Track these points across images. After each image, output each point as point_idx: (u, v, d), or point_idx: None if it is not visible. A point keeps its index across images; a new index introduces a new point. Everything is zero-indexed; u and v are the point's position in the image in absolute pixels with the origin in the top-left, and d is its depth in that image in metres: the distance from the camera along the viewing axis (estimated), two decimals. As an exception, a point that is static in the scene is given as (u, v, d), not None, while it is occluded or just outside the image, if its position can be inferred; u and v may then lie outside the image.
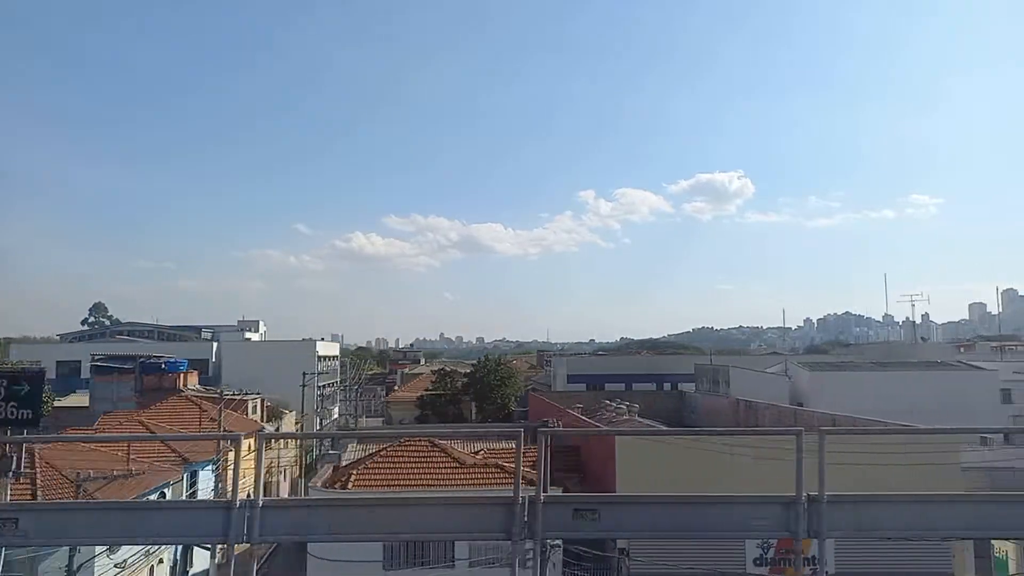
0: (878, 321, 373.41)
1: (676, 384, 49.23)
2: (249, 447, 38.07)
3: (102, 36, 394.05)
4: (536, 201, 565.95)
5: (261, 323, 74.63)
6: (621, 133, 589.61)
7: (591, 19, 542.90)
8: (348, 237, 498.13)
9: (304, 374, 42.90)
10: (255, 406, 37.90)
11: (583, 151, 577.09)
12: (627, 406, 40.33)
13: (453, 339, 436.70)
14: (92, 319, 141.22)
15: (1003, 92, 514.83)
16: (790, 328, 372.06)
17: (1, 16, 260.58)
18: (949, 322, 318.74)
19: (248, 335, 66.78)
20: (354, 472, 21.73)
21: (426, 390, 51.42)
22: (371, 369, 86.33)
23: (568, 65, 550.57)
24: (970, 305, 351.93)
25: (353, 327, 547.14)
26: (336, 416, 60.36)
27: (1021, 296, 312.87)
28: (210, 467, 28.37)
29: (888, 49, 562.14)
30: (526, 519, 7.16)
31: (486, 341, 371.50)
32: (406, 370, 77.30)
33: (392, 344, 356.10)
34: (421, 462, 22.98)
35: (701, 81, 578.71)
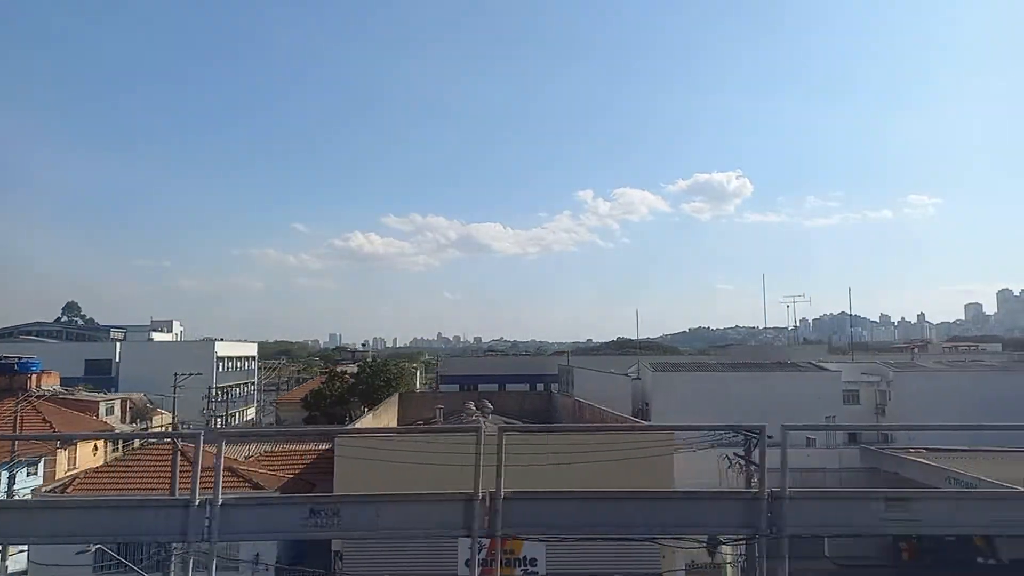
0: (873, 321, 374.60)
1: (549, 384, 49.98)
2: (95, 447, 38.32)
3: (101, 32, 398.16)
4: (535, 201, 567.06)
5: (176, 323, 75.75)
6: (619, 133, 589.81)
7: (590, 19, 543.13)
8: (347, 236, 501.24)
9: (176, 375, 43.85)
10: (110, 407, 38.87)
11: (581, 151, 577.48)
12: (481, 406, 41.17)
13: (450, 339, 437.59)
14: (65, 318, 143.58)
15: (1003, 92, 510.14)
16: (786, 328, 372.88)
17: (5, 16, 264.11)
18: (943, 322, 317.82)
19: (157, 336, 67.81)
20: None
21: (312, 391, 52.30)
22: (314, 370, 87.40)
23: (566, 65, 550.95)
24: (966, 305, 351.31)
25: (353, 327, 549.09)
26: (251, 417, 61.40)
27: (1016, 296, 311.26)
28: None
29: (887, 49, 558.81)
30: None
31: (483, 340, 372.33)
32: (339, 369, 78.04)
33: (390, 344, 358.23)
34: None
35: (699, 80, 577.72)
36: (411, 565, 21.83)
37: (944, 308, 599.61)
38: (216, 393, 51.90)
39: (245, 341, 66.24)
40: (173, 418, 44.75)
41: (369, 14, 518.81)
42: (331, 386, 51.79)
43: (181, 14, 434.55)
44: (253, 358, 66.76)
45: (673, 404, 39.45)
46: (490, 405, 41.38)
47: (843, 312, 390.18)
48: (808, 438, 37.93)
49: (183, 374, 44.41)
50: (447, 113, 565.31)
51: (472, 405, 41.38)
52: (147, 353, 54.96)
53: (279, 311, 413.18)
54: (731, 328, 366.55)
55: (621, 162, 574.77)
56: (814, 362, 42.86)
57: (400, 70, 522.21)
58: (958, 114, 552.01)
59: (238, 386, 58.89)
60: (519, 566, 22.75)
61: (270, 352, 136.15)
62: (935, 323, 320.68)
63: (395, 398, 44.12)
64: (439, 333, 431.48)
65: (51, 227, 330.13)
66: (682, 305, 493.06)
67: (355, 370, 54.77)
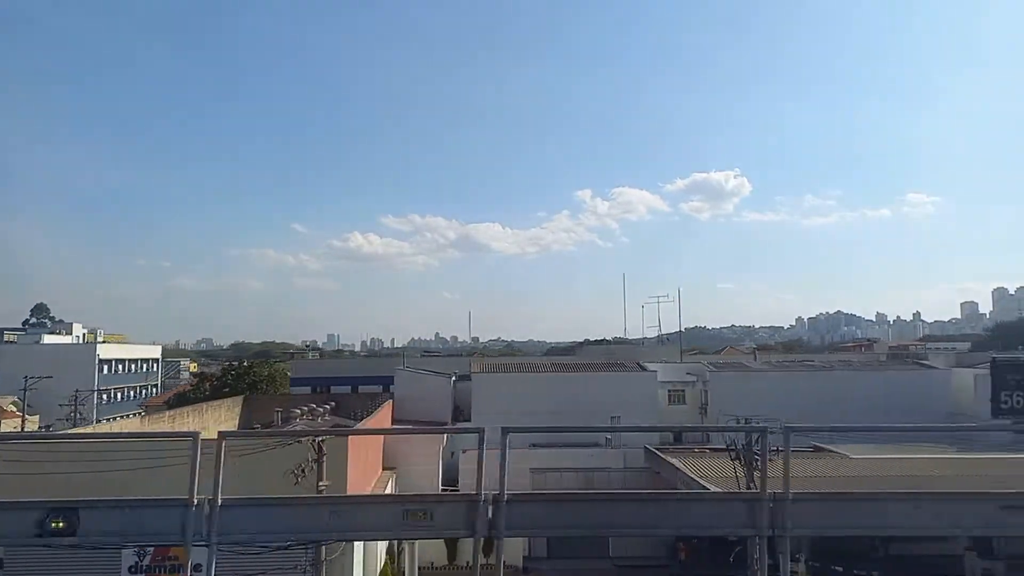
0: (868, 320, 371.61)
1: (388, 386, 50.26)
2: None
3: (100, 33, 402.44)
4: (533, 200, 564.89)
5: (78, 325, 76.56)
6: (616, 132, 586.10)
7: (587, 19, 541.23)
8: (346, 237, 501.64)
9: (26, 378, 44.69)
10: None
11: (579, 150, 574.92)
12: (313, 408, 41.57)
13: (448, 339, 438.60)
14: (34, 320, 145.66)
15: (1002, 90, 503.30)
16: (782, 327, 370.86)
17: (3, 13, 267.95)
18: (937, 321, 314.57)
19: (52, 338, 68.57)
20: None
21: (176, 393, 53.03)
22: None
23: (563, 65, 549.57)
24: (962, 304, 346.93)
25: (352, 327, 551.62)
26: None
27: (1011, 295, 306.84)
28: None
29: (885, 47, 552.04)
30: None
31: (481, 340, 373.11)
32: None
33: (387, 344, 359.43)
34: None
35: (696, 80, 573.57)
36: (74, 574, 21.98)
37: (942, 307, 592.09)
38: (98, 396, 52.72)
39: (154, 343, 67.13)
40: (23, 421, 45.58)
41: (368, 17, 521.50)
42: (198, 389, 52.46)
43: (180, 14, 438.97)
44: (156, 360, 67.56)
45: (492, 405, 39.68)
46: (321, 408, 41.79)
47: (839, 311, 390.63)
48: (607, 439, 38.15)
49: (34, 377, 45.19)
50: (446, 114, 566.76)
51: (314, 407, 41.85)
52: (25, 356, 55.58)
53: (278, 311, 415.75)
54: (727, 327, 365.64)
55: (619, 161, 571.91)
56: (641, 363, 42.96)
57: (399, 73, 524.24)
58: (958, 111, 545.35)
59: (121, 389, 59.67)
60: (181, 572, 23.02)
61: (254, 352, 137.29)
62: (930, 322, 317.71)
63: (239, 400, 44.62)
64: (436, 333, 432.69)
65: (51, 227, 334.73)
66: (681, 304, 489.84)
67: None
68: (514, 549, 32.90)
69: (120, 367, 60.69)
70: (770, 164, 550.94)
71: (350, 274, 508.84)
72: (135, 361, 63.35)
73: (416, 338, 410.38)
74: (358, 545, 22.98)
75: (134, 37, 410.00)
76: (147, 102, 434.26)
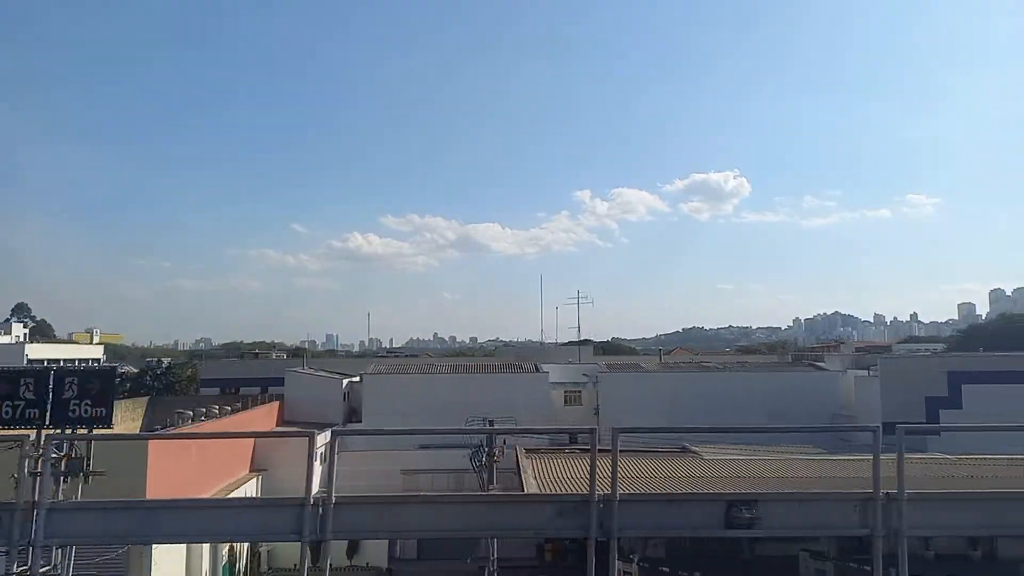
0: (866, 321, 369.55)
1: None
2: None
3: (102, 34, 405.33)
4: (533, 201, 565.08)
5: (19, 326, 76.44)
6: (615, 132, 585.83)
7: (585, 19, 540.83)
8: (345, 237, 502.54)
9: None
10: None
11: (577, 150, 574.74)
12: (209, 410, 41.54)
13: (447, 339, 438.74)
14: (15, 319, 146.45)
15: (1003, 92, 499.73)
16: (779, 328, 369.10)
17: (3, 13, 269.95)
18: (933, 322, 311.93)
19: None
20: None
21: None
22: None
23: (564, 65, 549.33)
24: (958, 305, 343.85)
25: (351, 327, 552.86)
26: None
27: (1008, 296, 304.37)
28: None
29: (886, 48, 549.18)
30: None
31: (479, 341, 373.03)
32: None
33: (386, 344, 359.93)
34: None
35: (696, 80, 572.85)
36: None
37: (942, 308, 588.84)
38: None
39: (100, 344, 66.95)
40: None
41: (368, 18, 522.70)
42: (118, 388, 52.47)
43: (182, 16, 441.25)
44: (97, 360, 67.43)
45: (384, 407, 39.58)
46: (219, 411, 41.76)
47: (836, 312, 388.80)
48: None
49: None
50: (445, 113, 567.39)
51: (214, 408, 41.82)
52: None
53: (277, 311, 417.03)
54: (724, 328, 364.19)
55: (618, 162, 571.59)
56: (539, 364, 42.67)
57: (398, 70, 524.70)
58: (958, 112, 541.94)
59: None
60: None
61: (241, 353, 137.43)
62: (926, 322, 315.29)
63: (143, 401, 44.62)
64: (435, 333, 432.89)
65: (50, 227, 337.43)
66: (679, 305, 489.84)
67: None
68: (379, 550, 32.81)
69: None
70: (770, 165, 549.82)
71: (350, 274, 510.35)
72: (72, 361, 63.24)
73: (415, 338, 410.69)
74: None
75: (136, 39, 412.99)
76: (148, 103, 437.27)
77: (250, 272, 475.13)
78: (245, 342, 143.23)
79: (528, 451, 33.65)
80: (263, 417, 36.34)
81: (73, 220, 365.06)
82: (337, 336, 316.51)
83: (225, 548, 27.88)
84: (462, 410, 39.36)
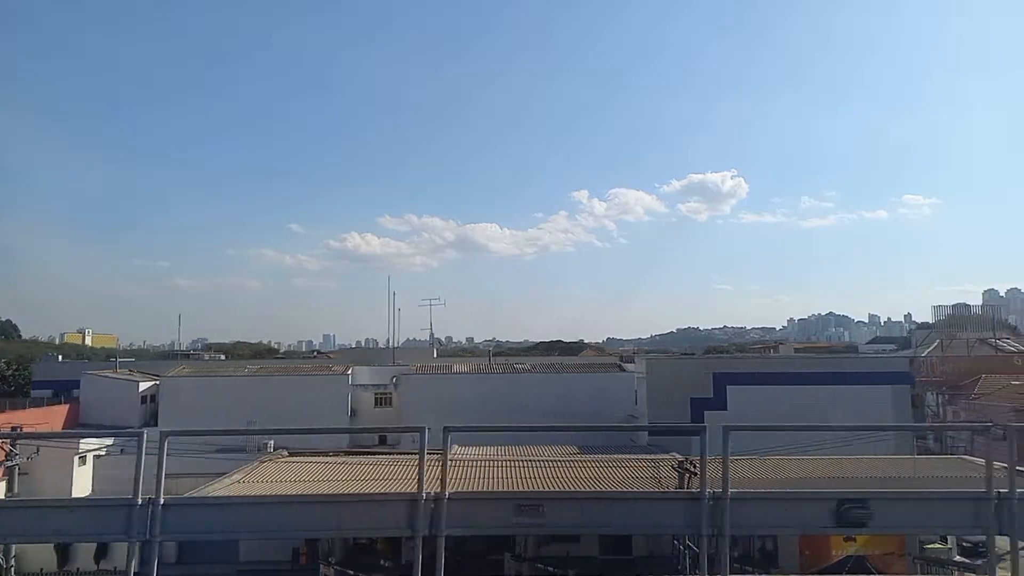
0: (860, 321, 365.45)
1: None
2: None
3: (99, 32, 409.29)
4: (530, 201, 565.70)
5: None
6: (613, 133, 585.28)
7: (583, 20, 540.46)
8: (343, 237, 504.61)
9: None
10: None
11: (576, 151, 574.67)
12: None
13: (443, 339, 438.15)
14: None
15: (999, 93, 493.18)
16: (773, 328, 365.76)
17: (4, 14, 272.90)
18: (925, 323, 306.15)
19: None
20: None
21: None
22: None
23: (560, 65, 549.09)
24: (953, 306, 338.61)
25: (350, 327, 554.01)
26: None
27: (1002, 296, 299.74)
28: None
29: (882, 48, 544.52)
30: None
31: (475, 341, 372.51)
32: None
33: (382, 344, 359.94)
34: None
35: (692, 80, 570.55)
36: None
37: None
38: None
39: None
40: None
41: (366, 19, 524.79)
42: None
43: (181, 15, 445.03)
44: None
45: (181, 410, 38.81)
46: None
47: (830, 312, 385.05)
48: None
49: None
50: (443, 114, 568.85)
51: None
52: None
53: (276, 312, 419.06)
54: (719, 328, 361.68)
55: (616, 162, 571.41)
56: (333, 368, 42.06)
57: (396, 74, 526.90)
58: (955, 113, 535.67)
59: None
60: None
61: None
62: (919, 322, 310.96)
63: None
64: (431, 333, 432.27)
65: (50, 227, 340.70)
66: (676, 305, 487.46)
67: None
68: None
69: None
70: (768, 165, 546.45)
71: (348, 274, 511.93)
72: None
73: (411, 338, 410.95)
74: None
75: (134, 38, 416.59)
76: (147, 103, 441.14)
77: (248, 272, 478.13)
78: (248, 342, 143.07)
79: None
80: (35, 419, 35.54)
81: (70, 219, 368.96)
82: (334, 336, 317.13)
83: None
84: (260, 412, 38.96)
